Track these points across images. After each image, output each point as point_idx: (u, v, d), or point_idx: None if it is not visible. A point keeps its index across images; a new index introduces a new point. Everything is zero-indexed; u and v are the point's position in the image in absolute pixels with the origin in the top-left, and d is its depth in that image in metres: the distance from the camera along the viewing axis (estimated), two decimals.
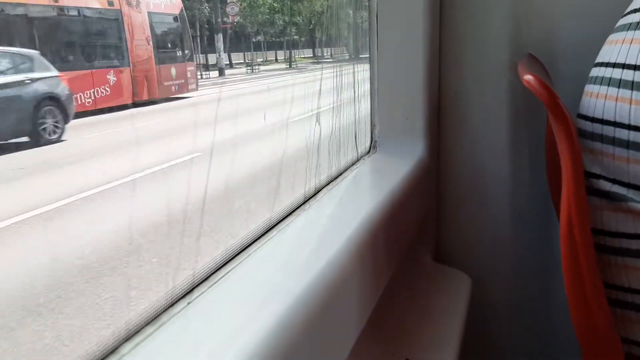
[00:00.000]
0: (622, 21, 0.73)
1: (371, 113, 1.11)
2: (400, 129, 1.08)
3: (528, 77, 0.60)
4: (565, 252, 0.64)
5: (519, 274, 1.18)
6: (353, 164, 1.01)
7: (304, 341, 0.48)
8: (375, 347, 0.81)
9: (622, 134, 0.66)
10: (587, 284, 0.63)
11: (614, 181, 0.68)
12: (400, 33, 1.06)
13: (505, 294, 1.19)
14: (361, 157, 1.06)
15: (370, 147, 1.10)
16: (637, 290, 0.67)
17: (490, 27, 1.11)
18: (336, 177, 0.92)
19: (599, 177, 0.69)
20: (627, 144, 0.65)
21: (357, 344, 0.63)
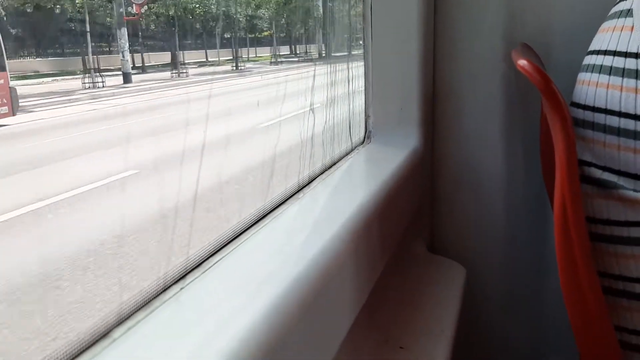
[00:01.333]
0: (614, 9, 0.73)
1: (365, 104, 1.10)
2: (394, 120, 1.08)
3: (522, 62, 0.60)
4: (559, 239, 0.64)
5: (513, 264, 1.18)
6: (347, 154, 1.00)
7: (297, 327, 0.48)
8: (369, 334, 0.81)
9: (613, 121, 0.66)
10: (581, 272, 0.64)
11: (605, 169, 0.68)
12: (395, 24, 1.06)
13: (499, 284, 1.19)
14: (355, 147, 1.05)
15: (364, 138, 1.09)
16: (628, 277, 0.67)
17: (484, 18, 1.11)
18: (330, 167, 0.92)
19: (590, 164, 0.69)
20: (618, 131, 0.66)
21: (351, 331, 0.63)
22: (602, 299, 0.68)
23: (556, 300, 1.12)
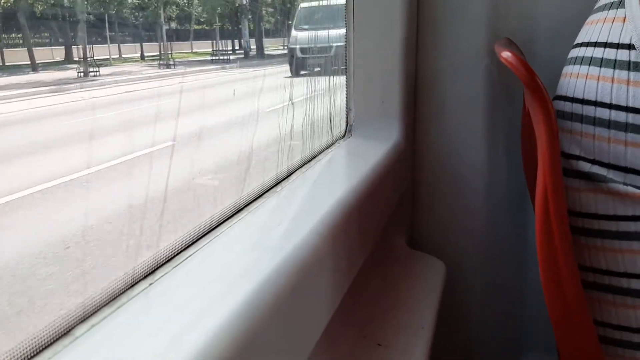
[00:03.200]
0: (602, 1, 0.72)
1: (347, 97, 1.09)
2: (376, 113, 1.06)
3: (506, 54, 0.59)
4: (540, 233, 0.63)
5: (493, 259, 1.18)
6: (327, 147, 0.99)
7: (272, 323, 0.47)
8: (348, 330, 0.79)
9: (603, 113, 0.65)
10: (561, 266, 0.63)
11: (594, 162, 0.67)
12: (377, 16, 1.04)
13: (479, 280, 1.18)
14: (336, 140, 1.04)
15: (345, 131, 1.08)
16: (614, 272, 0.67)
17: (468, 11, 1.10)
18: (310, 160, 0.90)
19: (578, 158, 0.68)
20: (608, 124, 0.65)
21: (329, 327, 0.61)
22: (582, 293, 0.68)
23: (536, 295, 1.12)
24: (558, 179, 0.62)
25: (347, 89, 1.09)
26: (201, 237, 0.56)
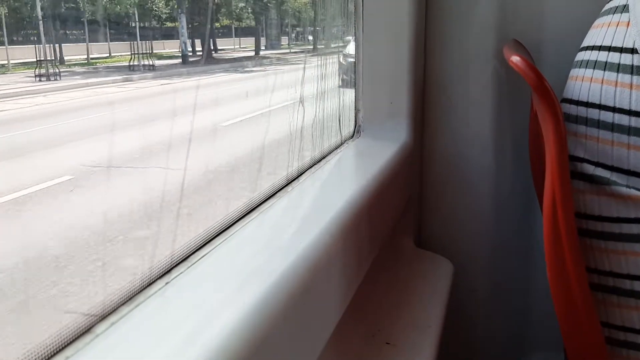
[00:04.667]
0: (609, 5, 0.73)
1: (355, 97, 1.10)
2: (384, 114, 1.07)
3: (515, 58, 0.59)
4: (548, 236, 0.64)
5: (500, 260, 1.18)
6: (337, 147, 1.00)
7: (285, 322, 0.48)
8: (357, 329, 0.81)
9: (607, 116, 0.66)
10: (569, 268, 0.64)
11: (597, 164, 0.68)
12: (386, 17, 1.05)
13: (486, 279, 1.19)
14: (345, 141, 1.05)
15: (354, 132, 1.09)
16: (618, 273, 0.68)
17: (476, 13, 1.10)
18: (319, 161, 0.91)
19: (582, 160, 0.69)
20: (612, 127, 0.66)
21: (339, 326, 0.62)
22: (589, 294, 0.68)
23: (542, 295, 1.13)
24: (566, 181, 0.63)
25: (356, 89, 1.09)
26: (215, 237, 0.57)
